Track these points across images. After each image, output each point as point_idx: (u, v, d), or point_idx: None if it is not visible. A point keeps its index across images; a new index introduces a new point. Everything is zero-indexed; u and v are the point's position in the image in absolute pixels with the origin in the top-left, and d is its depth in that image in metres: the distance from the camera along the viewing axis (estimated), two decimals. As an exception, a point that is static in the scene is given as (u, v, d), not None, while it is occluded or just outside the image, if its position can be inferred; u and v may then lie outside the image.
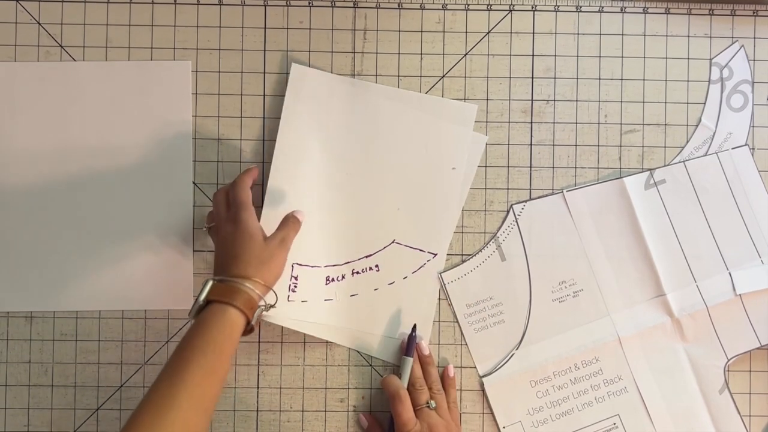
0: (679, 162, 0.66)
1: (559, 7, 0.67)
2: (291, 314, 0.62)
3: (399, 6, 0.66)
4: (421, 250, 0.65)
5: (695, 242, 0.66)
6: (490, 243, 0.66)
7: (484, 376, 0.65)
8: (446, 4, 0.66)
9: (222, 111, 0.66)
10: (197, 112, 0.66)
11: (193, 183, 0.66)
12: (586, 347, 0.65)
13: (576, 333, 0.65)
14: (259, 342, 0.65)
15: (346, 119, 0.65)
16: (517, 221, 0.66)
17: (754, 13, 0.67)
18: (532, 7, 0.67)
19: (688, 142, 0.67)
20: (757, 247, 0.66)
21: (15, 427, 0.65)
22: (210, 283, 0.54)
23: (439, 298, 0.66)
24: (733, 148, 0.66)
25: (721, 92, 0.67)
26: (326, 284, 0.64)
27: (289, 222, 0.60)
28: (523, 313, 0.65)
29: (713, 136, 0.67)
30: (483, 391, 0.65)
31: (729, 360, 0.65)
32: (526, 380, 0.65)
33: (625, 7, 0.67)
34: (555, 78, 0.67)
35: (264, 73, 0.66)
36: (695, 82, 0.67)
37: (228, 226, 0.57)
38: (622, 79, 0.67)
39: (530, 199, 0.66)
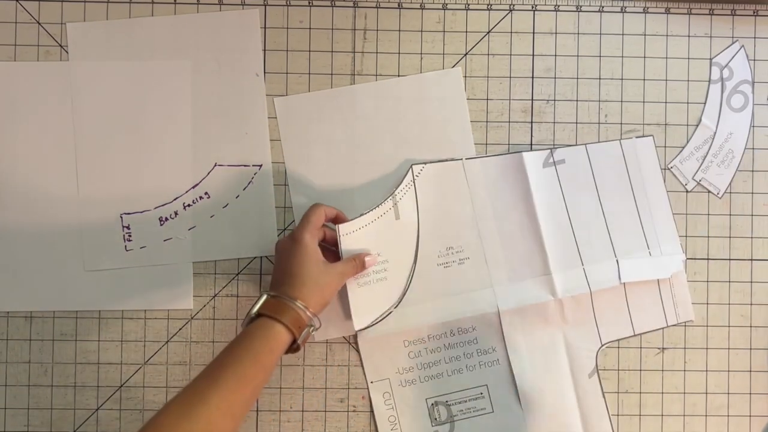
0: (581, 144, 0.66)
1: (559, 6, 0.67)
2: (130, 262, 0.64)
3: (399, 6, 0.66)
4: (245, 166, 0.65)
5: (587, 226, 0.65)
6: (388, 199, 0.65)
7: (359, 330, 0.64)
8: (446, 4, 0.66)
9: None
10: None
11: (193, 183, 0.66)
12: (464, 315, 0.65)
13: (456, 300, 0.65)
14: (258, 342, 0.65)
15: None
16: (414, 182, 0.65)
17: (754, 13, 0.67)
18: (532, 7, 0.67)
19: (688, 142, 0.67)
20: (647, 239, 0.66)
21: (15, 427, 0.65)
22: (264, 297, 0.56)
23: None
24: (637, 137, 0.66)
25: (722, 92, 0.67)
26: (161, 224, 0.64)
27: (355, 261, 0.61)
28: (406, 274, 0.65)
29: (714, 136, 0.67)
30: (356, 343, 0.65)
31: (602, 345, 0.65)
32: (400, 340, 0.65)
33: (625, 7, 0.67)
34: (555, 78, 0.67)
35: (264, 73, 0.66)
36: (695, 82, 0.67)
37: (288, 242, 0.58)
38: (622, 79, 0.67)
39: (430, 161, 0.66)
